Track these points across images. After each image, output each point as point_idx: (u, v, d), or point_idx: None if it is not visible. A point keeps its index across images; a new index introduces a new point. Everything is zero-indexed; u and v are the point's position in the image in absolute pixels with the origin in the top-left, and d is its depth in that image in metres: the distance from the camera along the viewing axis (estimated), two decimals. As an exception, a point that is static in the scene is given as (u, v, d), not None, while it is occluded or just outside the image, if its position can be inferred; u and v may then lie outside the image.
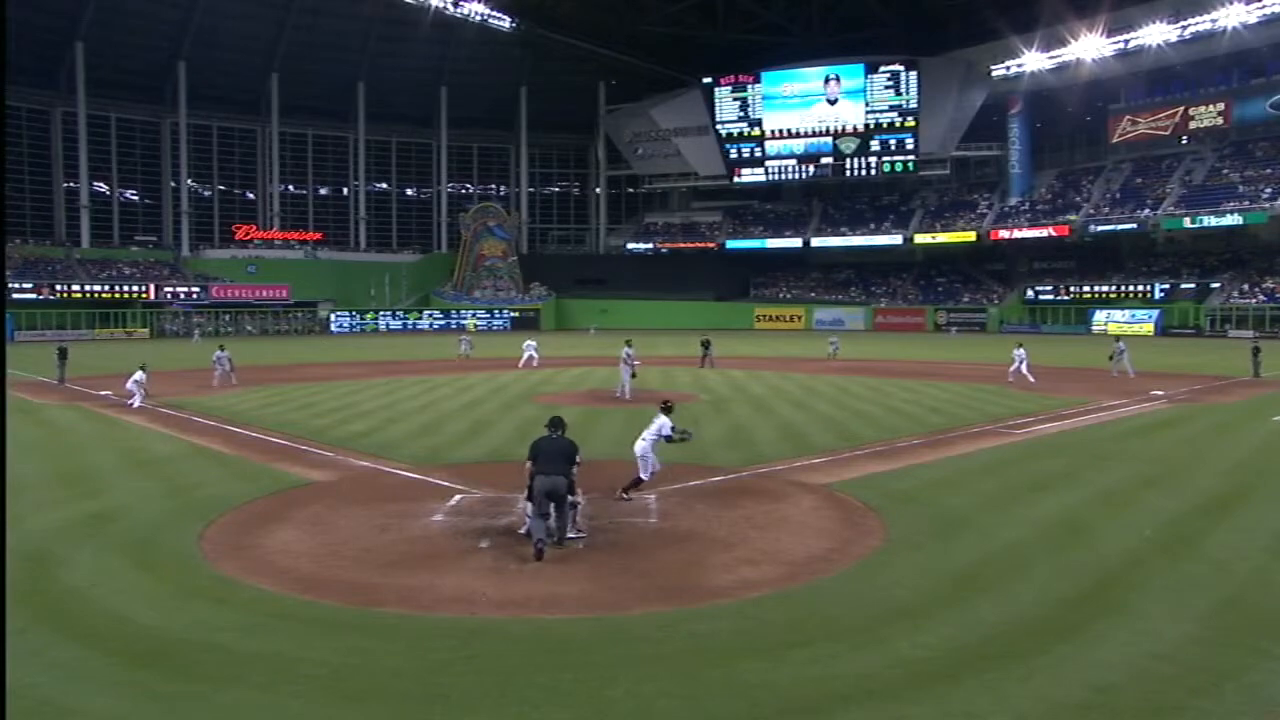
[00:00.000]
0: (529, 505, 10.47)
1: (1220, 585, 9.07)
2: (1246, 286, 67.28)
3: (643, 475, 12.82)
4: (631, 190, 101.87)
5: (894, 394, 27.11)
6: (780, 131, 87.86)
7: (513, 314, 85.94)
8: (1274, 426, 20.27)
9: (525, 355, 37.91)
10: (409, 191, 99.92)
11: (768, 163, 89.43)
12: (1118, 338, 38.81)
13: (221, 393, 27.86)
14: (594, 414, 22.61)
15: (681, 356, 38.97)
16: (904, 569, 9.72)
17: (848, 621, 8.17)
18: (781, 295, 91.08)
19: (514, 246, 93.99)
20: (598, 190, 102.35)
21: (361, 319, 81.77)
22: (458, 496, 13.26)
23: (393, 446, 17.79)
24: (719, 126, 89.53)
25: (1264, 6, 62.70)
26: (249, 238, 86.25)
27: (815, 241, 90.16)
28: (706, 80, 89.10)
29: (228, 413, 22.94)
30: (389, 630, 8.00)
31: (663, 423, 12.91)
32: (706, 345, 37.86)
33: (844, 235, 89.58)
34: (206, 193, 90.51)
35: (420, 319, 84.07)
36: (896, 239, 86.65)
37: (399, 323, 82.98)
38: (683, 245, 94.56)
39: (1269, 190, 67.14)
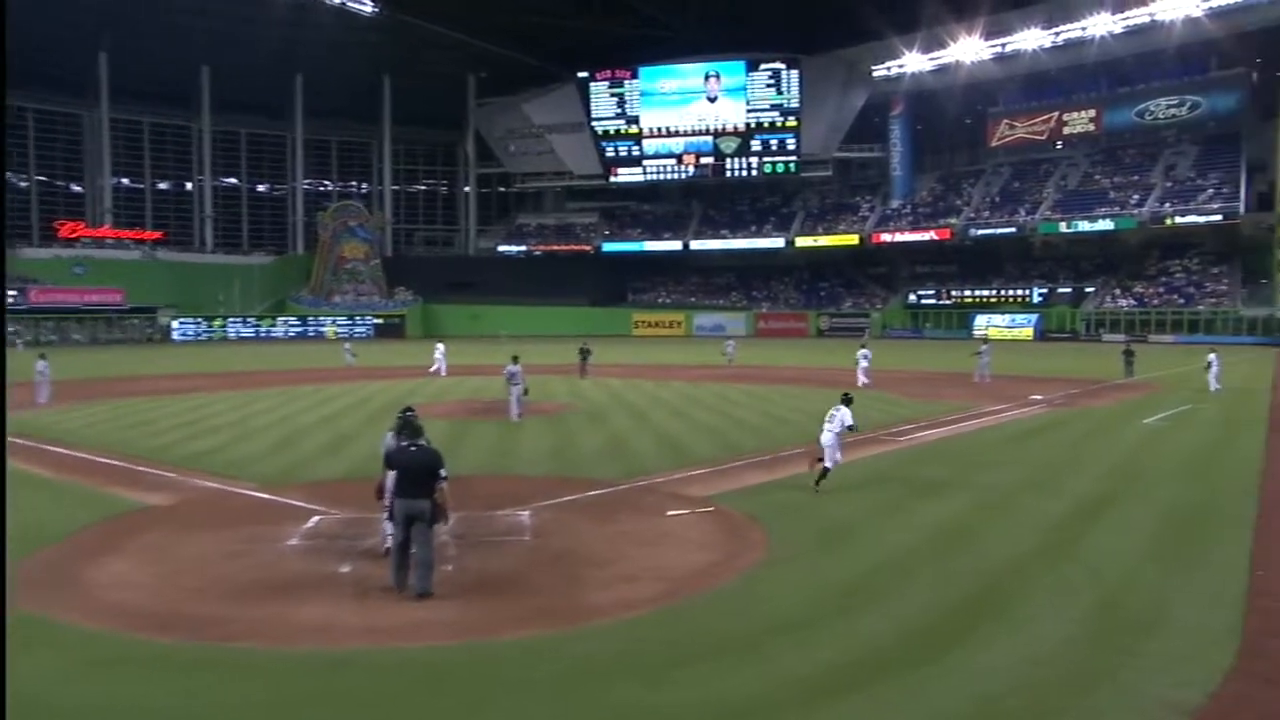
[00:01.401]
0: (388, 526, 10.04)
1: (1094, 588, 9.62)
2: (1118, 291, 71.77)
3: (828, 464, 14.32)
4: (503, 189, 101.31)
5: (776, 401, 27.71)
6: (658, 130, 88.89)
7: (376, 320, 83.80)
8: (1144, 429, 21.71)
9: (436, 362, 38.12)
10: (260, 188, 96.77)
11: (645, 162, 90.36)
12: (984, 340, 41.08)
13: (44, 409, 26.30)
14: (466, 426, 22.33)
15: (556, 365, 38.86)
16: (788, 581, 9.93)
17: (731, 638, 8.27)
18: (660, 300, 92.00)
19: (377, 248, 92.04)
20: (467, 189, 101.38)
21: (209, 326, 78.52)
22: (316, 518, 12.85)
23: (242, 465, 17.13)
24: (594, 123, 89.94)
25: (1128, 18, 67.28)
26: (75, 235, 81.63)
27: (695, 244, 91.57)
28: (582, 75, 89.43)
29: (47, 432, 21.55)
30: (241, 666, 7.68)
31: (845, 414, 14.51)
32: (585, 354, 37.90)
33: (724, 238, 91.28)
34: (23, 184, 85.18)
35: (275, 326, 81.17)
36: (778, 242, 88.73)
37: (250, 330, 79.99)
38: (557, 248, 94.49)
39: (1137, 196, 71.90)
